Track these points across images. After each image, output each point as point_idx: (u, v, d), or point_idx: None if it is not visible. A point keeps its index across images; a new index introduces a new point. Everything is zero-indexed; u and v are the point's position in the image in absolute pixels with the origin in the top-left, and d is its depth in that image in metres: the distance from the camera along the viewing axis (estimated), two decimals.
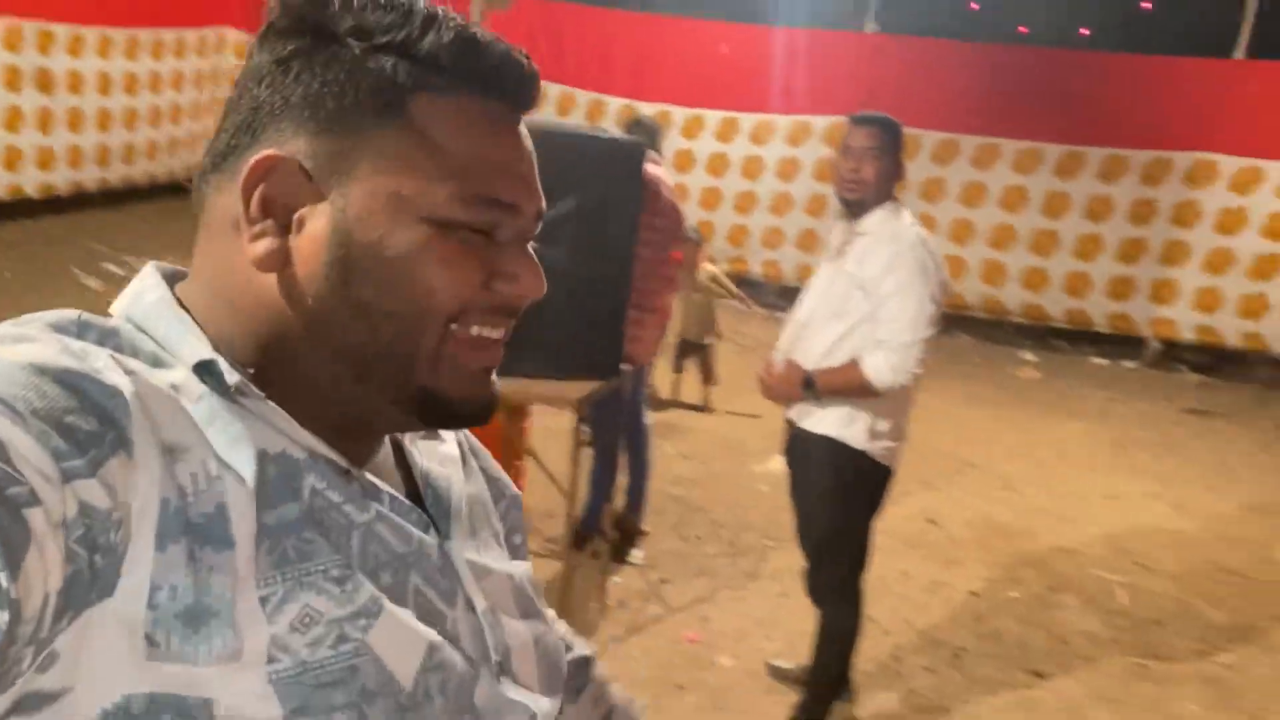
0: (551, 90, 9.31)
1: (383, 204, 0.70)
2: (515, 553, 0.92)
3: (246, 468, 0.66)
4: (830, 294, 2.97)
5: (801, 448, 3.05)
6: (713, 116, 9.15)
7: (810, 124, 8.90)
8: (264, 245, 0.70)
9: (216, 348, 0.70)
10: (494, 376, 0.77)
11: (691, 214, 6.96)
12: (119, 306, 0.73)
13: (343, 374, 0.73)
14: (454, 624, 0.75)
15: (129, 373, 0.64)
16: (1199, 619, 4.23)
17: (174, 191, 9.95)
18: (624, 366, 3.44)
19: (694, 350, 6.46)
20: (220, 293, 0.73)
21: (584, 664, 1.07)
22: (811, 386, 2.94)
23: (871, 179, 2.90)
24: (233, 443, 0.66)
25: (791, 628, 3.79)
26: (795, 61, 8.83)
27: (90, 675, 0.58)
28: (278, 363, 0.72)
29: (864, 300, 2.88)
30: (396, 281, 0.70)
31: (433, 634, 0.72)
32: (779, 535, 4.55)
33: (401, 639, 0.69)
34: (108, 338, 0.68)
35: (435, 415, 0.75)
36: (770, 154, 9.03)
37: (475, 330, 0.73)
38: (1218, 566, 4.76)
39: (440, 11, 0.71)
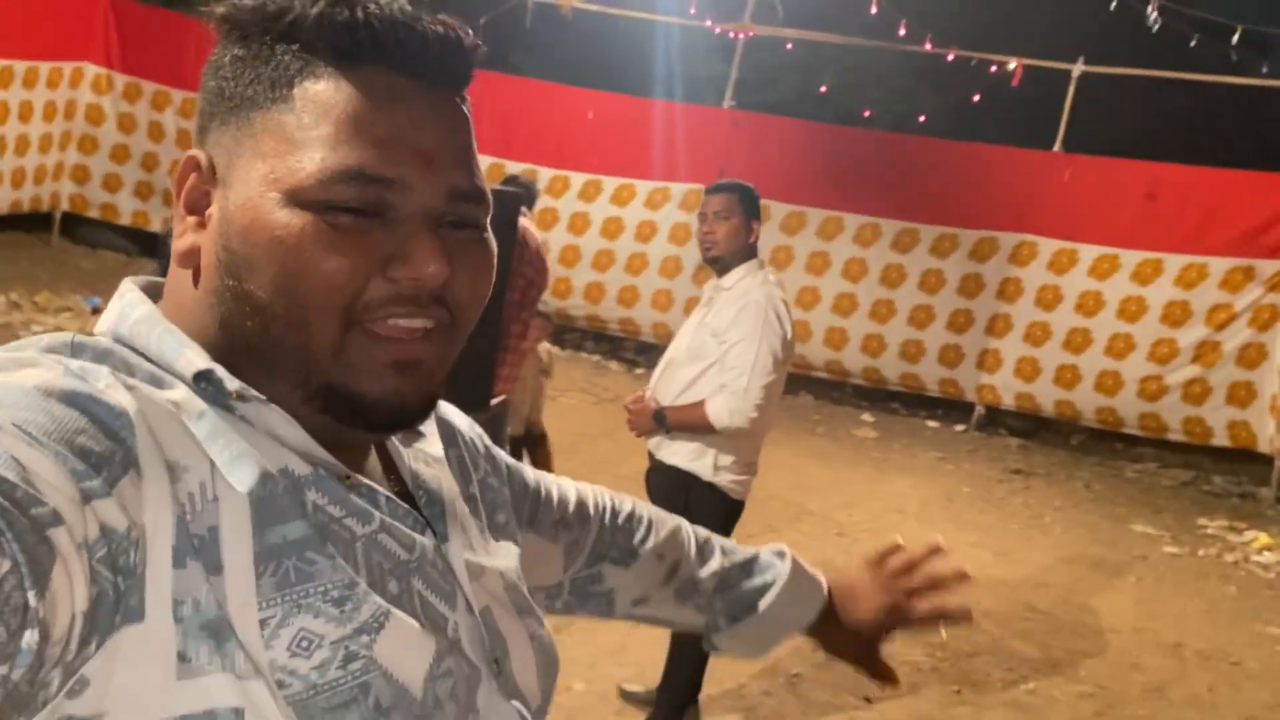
0: None
1: (256, 187, 0.68)
2: (499, 532, 0.89)
3: (247, 486, 0.65)
4: (693, 340, 3.26)
5: (657, 477, 3.30)
6: (577, 178, 9.48)
7: (669, 190, 9.31)
8: (183, 243, 0.71)
9: (212, 356, 0.69)
10: (422, 371, 0.72)
11: (551, 270, 7.22)
12: (104, 327, 0.72)
13: (257, 374, 0.69)
14: (455, 627, 0.75)
15: (130, 389, 0.63)
16: (1010, 652, 4.63)
17: (15, 224, 9.71)
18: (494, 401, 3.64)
19: (526, 444, 5.52)
20: (180, 300, 0.73)
21: (630, 520, 1.10)
22: (663, 420, 3.20)
23: (721, 239, 3.22)
24: (235, 460, 0.65)
25: (641, 655, 4.00)
26: (657, 131, 9.26)
27: (122, 702, 0.58)
28: (233, 361, 0.70)
29: (716, 347, 3.18)
30: (277, 270, 0.67)
31: (438, 640, 0.71)
32: None
33: (408, 649, 0.68)
34: (103, 358, 0.66)
35: (347, 415, 0.71)
36: (630, 216, 9.39)
37: (384, 322, 0.70)
38: (1029, 607, 5.19)
39: None
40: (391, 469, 0.81)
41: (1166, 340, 8.17)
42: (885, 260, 8.90)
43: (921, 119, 8.87)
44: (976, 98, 8.42)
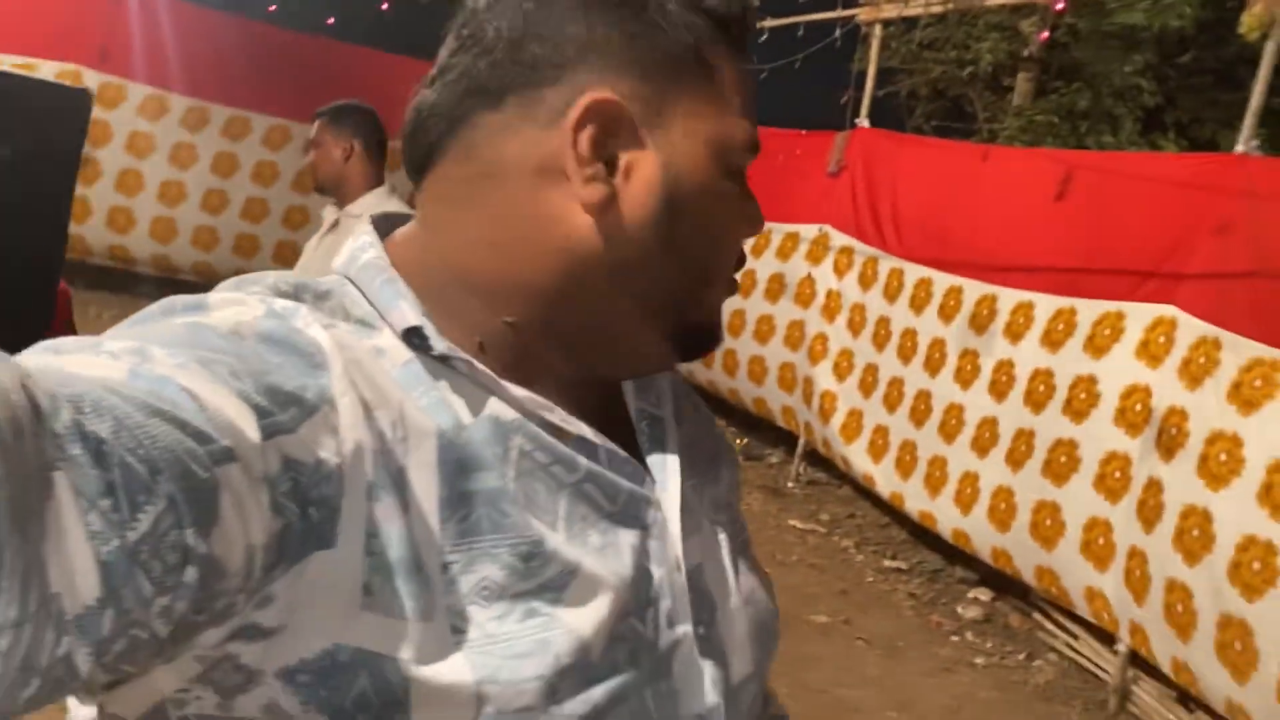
0: None
1: (704, 152, 0.71)
2: (731, 508, 0.87)
3: (441, 426, 0.65)
4: (316, 270, 3.13)
5: None
6: None
7: (35, 65, 8.05)
8: (596, 190, 0.68)
9: (429, 313, 0.69)
10: None
11: None
12: (338, 263, 0.73)
13: (633, 314, 0.73)
14: (659, 584, 0.72)
15: (329, 328, 0.64)
16: None
17: None
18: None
19: None
20: (494, 242, 0.71)
21: None
22: None
23: (320, 166, 3.15)
24: (431, 406, 0.66)
25: None
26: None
27: (305, 618, 0.58)
28: (553, 307, 0.71)
29: None
30: (710, 227, 0.73)
31: (631, 597, 0.69)
32: None
33: (591, 610, 0.66)
34: (323, 299, 0.68)
35: (694, 348, 0.76)
36: None
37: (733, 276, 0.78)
38: None
39: None
40: (621, 409, 0.80)
41: None
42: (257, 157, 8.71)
43: (330, 22, 8.70)
44: (385, 5, 8.49)
